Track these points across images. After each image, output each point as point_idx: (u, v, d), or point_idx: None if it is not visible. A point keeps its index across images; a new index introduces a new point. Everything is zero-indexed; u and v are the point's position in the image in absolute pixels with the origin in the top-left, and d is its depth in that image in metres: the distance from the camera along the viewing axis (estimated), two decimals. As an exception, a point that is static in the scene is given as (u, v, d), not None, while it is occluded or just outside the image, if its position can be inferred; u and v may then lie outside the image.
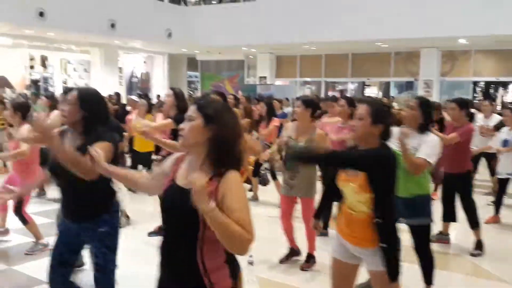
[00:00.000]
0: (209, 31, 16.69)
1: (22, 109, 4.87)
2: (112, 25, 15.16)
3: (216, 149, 1.96)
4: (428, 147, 3.51)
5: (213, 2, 18.98)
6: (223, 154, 1.96)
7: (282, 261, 4.75)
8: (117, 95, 10.87)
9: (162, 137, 4.58)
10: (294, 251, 4.86)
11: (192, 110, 2.03)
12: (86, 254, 3.64)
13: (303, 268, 4.62)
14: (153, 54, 21.02)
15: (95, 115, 2.85)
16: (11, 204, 4.84)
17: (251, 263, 4.61)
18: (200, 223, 1.91)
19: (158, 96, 15.53)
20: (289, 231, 4.76)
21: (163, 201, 2.12)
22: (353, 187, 2.65)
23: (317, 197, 4.71)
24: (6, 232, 5.24)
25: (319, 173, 4.99)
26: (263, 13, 15.83)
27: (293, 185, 4.54)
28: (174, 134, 4.77)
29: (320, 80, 19.37)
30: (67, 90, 4.72)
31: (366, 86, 20.96)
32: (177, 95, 4.93)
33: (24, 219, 4.84)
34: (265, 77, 19.34)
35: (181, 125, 2.03)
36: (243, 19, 16.08)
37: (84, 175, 2.58)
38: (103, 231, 2.88)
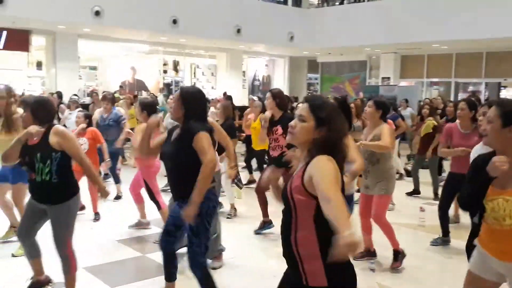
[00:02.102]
0: (331, 33, 16.57)
1: (149, 108, 5.28)
2: (238, 31, 15.78)
3: (321, 148, 2.04)
4: None
5: (336, 3, 18.80)
6: (323, 150, 2.04)
7: (355, 258, 4.54)
8: (229, 98, 11.30)
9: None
10: (369, 252, 4.72)
11: (304, 110, 2.10)
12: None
13: (393, 268, 4.52)
14: (275, 57, 21.45)
15: (193, 111, 3.25)
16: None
17: (372, 269, 4.48)
18: (292, 210, 2.05)
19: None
20: (366, 230, 4.66)
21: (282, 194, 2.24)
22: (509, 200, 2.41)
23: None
24: (148, 224, 5.72)
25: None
26: (388, 12, 15.28)
27: (367, 184, 4.50)
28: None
29: (449, 80, 18.14)
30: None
31: (502, 88, 19.15)
32: (275, 96, 5.22)
33: (158, 205, 5.26)
34: (388, 78, 18.64)
35: (292, 123, 2.12)
36: (367, 19, 15.69)
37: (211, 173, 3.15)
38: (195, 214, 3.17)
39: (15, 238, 4.93)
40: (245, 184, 7.85)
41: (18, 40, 13.98)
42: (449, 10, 13.92)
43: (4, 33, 13.55)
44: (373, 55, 19.59)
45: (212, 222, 3.43)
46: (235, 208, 6.38)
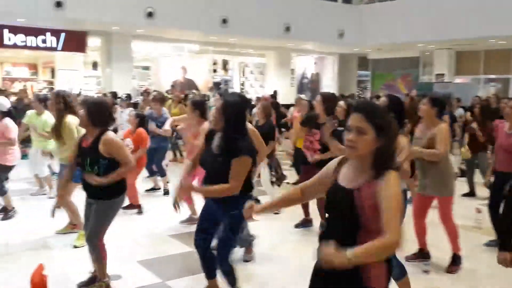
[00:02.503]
0: (383, 29, 16.24)
1: (200, 107, 5.34)
2: (287, 29, 15.74)
3: (382, 157, 2.01)
4: None
5: (387, -1, 18.38)
6: (386, 159, 2.02)
7: (408, 259, 4.49)
8: (273, 97, 11.27)
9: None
10: (422, 254, 4.60)
11: (360, 121, 2.00)
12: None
13: (450, 271, 4.39)
14: (324, 55, 21.24)
15: (233, 124, 3.20)
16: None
17: (427, 271, 4.36)
18: (359, 219, 1.98)
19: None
20: (419, 232, 4.55)
21: (327, 200, 2.17)
22: None
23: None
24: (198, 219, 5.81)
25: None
26: (442, 6, 14.79)
27: (426, 184, 4.35)
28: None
29: (508, 77, 17.35)
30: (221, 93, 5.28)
31: None
32: (325, 99, 5.22)
33: None
34: (442, 75, 18.05)
35: (351, 137, 2.01)
36: (420, 14, 15.25)
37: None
38: (233, 213, 3.25)
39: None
40: (293, 183, 7.79)
41: (76, 41, 14.56)
42: (506, 3, 13.29)
43: (63, 35, 14.16)
44: (426, 51, 19.03)
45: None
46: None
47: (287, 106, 12.50)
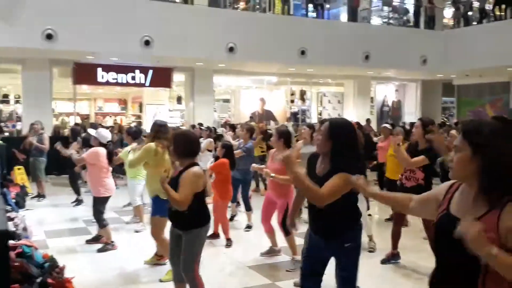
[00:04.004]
0: (469, 54, 15.51)
1: (285, 136, 5.38)
2: (366, 57, 15.56)
3: (489, 179, 1.78)
4: None
5: (473, 23, 17.63)
6: (499, 184, 1.76)
7: None
8: (359, 125, 10.97)
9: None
10: None
11: (458, 139, 1.89)
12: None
13: None
14: (406, 81, 20.67)
15: (342, 146, 3.05)
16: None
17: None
18: (481, 262, 1.76)
19: (411, 124, 15.06)
20: None
21: (436, 230, 2.00)
22: None
23: None
24: (279, 251, 5.78)
25: None
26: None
27: None
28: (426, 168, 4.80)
29: None
30: (323, 121, 5.18)
31: None
32: (425, 124, 5.00)
33: (286, 231, 5.24)
34: (536, 100, 16.82)
35: (450, 155, 1.94)
36: (508, 37, 14.41)
37: (313, 201, 2.97)
38: (348, 246, 3.10)
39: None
40: (386, 219, 7.46)
41: (162, 77, 15.39)
42: None
43: (150, 71, 15.04)
44: (517, 76, 17.87)
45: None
46: (374, 241, 5.99)
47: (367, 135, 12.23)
